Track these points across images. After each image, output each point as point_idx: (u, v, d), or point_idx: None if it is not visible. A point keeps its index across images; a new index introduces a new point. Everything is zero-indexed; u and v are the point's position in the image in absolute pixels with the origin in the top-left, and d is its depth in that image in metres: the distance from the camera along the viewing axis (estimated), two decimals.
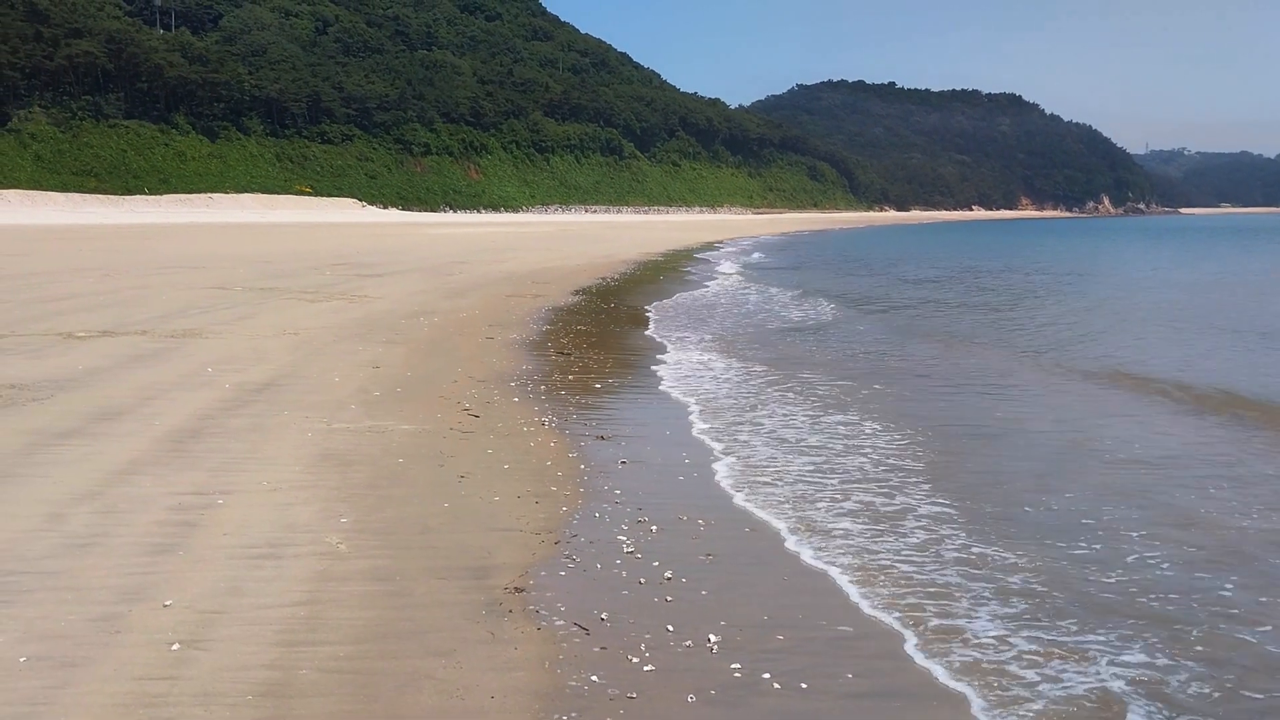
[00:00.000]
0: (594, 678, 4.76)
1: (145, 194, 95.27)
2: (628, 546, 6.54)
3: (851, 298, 26.36)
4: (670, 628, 5.31)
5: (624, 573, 6.11)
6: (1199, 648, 5.17)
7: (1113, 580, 6.04)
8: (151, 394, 10.39)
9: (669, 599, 5.72)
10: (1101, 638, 5.25)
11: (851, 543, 6.65)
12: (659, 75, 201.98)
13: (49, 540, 6.19)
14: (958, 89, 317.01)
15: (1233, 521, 7.20)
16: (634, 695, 4.61)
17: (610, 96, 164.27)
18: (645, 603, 5.66)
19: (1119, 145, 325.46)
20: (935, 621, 5.45)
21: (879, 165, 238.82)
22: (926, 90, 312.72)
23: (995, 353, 15.92)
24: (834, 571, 6.18)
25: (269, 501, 7.09)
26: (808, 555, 6.45)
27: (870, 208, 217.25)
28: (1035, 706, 4.57)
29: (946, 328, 19.37)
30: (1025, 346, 16.47)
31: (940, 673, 4.88)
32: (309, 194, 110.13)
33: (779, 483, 8.03)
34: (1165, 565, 6.31)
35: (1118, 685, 4.76)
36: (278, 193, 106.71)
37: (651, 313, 21.36)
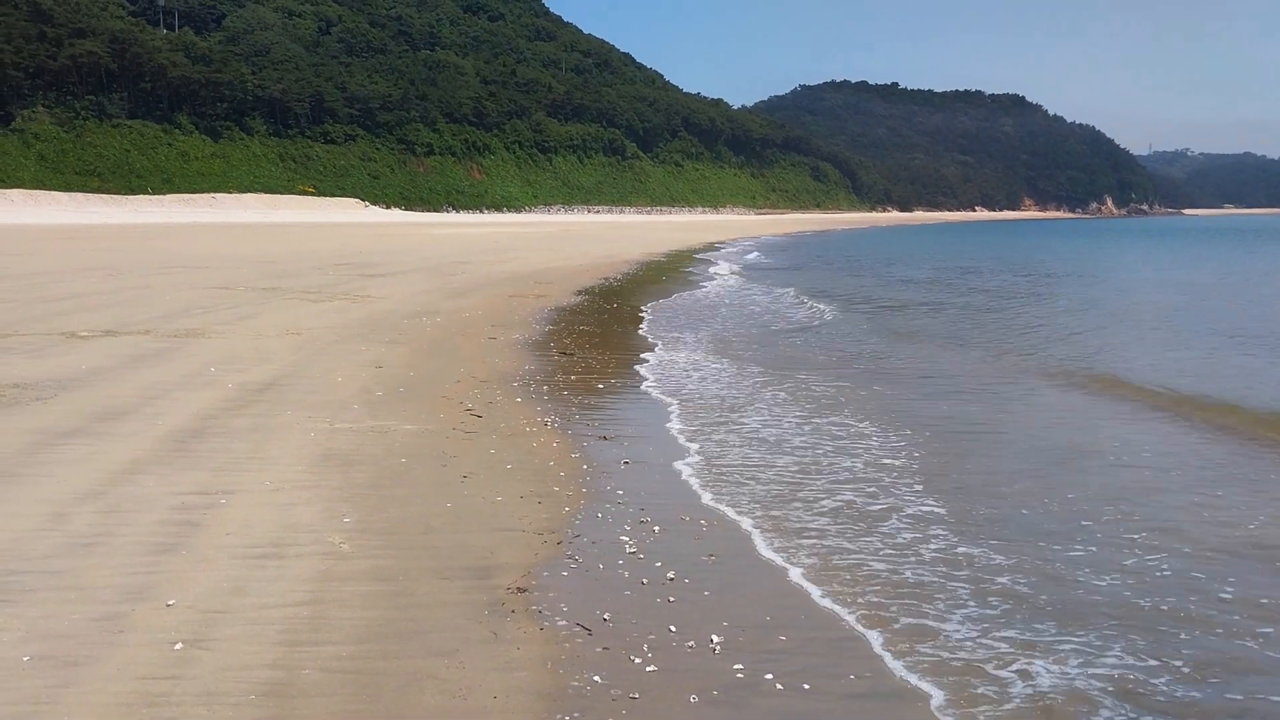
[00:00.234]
0: (596, 678, 4.76)
1: (148, 194, 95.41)
2: (630, 547, 6.54)
3: (852, 299, 26.36)
4: (673, 628, 5.32)
5: (626, 573, 6.11)
6: (1184, 650, 5.17)
7: (1104, 583, 6.03)
8: (154, 394, 10.40)
9: (671, 599, 5.72)
10: (1115, 644, 5.25)
11: (855, 542, 6.66)
12: (662, 75, 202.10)
13: (52, 540, 6.20)
14: (961, 89, 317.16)
15: (1223, 526, 7.19)
16: (636, 695, 4.61)
17: (613, 97, 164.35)
18: (648, 603, 5.67)
19: (1122, 146, 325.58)
20: (937, 623, 5.45)
21: (882, 166, 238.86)
22: (929, 91, 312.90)
23: (994, 355, 15.85)
24: (841, 572, 6.18)
25: (272, 501, 7.10)
26: (809, 555, 6.45)
27: (873, 208, 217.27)
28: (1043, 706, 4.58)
29: (945, 330, 19.31)
30: (1023, 350, 16.38)
31: (942, 672, 4.88)
32: (312, 194, 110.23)
33: (781, 481, 8.03)
34: (1162, 569, 6.30)
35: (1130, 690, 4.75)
36: (281, 193, 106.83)
37: (654, 313, 21.36)
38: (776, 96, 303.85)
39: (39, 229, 55.39)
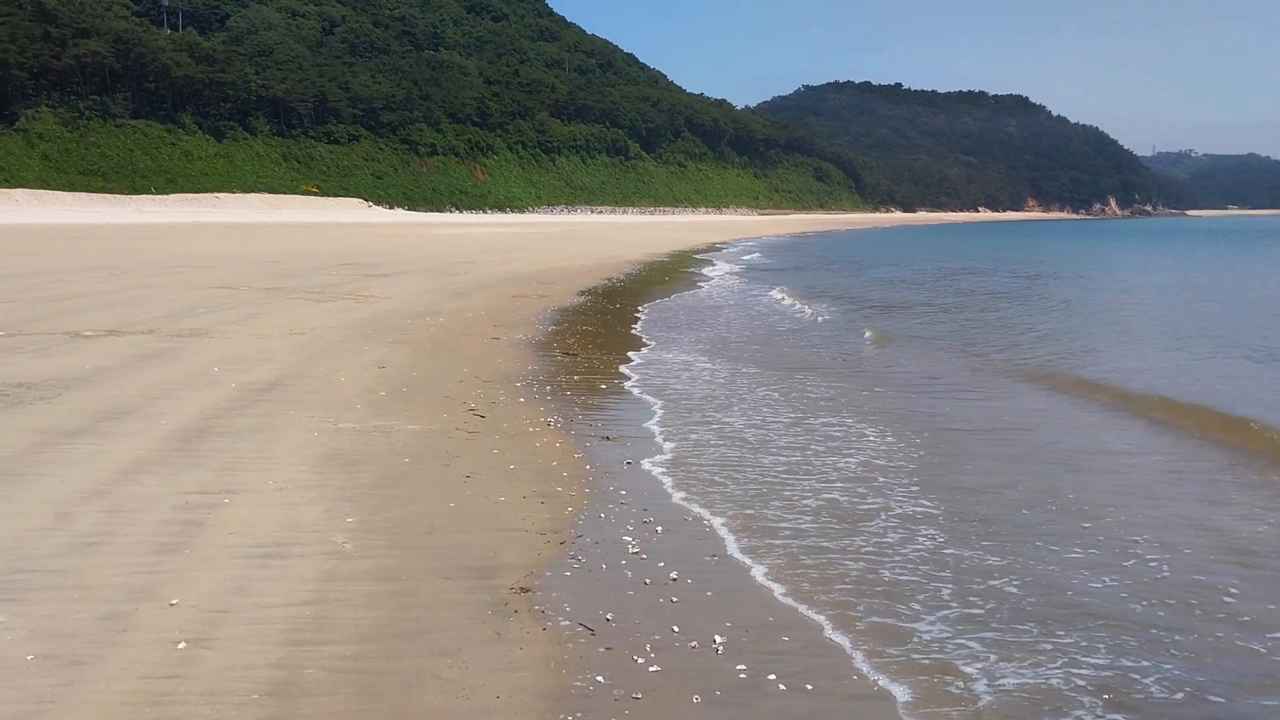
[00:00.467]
0: (599, 678, 4.76)
1: (152, 194, 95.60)
2: (633, 547, 6.54)
3: (853, 300, 26.37)
4: (675, 628, 5.32)
5: (629, 573, 6.11)
6: (1173, 654, 5.17)
7: (1099, 585, 6.03)
8: (158, 393, 10.42)
9: (674, 600, 5.72)
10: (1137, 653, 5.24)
11: (858, 541, 6.66)
12: (665, 76, 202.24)
13: (56, 539, 6.21)
14: (964, 90, 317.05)
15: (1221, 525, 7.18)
16: (639, 696, 4.62)
17: (616, 97, 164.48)
18: (650, 603, 5.67)
19: (1126, 147, 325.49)
20: (947, 625, 5.44)
21: (885, 166, 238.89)
22: (933, 91, 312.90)
23: (993, 357, 15.80)
24: (845, 574, 6.17)
25: (275, 501, 7.10)
26: (816, 555, 6.45)
27: (876, 209, 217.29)
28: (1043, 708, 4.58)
29: (938, 331, 19.24)
30: (1022, 352, 16.29)
31: (945, 675, 4.88)
32: (315, 194, 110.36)
33: (781, 483, 8.03)
34: (1160, 572, 6.30)
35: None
36: (284, 193, 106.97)
37: (656, 314, 21.36)
38: (780, 97, 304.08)
39: (43, 229, 55.48)
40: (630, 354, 15.01)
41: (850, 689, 4.74)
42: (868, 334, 17.43)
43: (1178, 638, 5.30)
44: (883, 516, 7.24)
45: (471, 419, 9.96)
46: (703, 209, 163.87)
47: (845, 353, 16.03)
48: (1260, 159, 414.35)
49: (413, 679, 4.67)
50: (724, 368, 13.97)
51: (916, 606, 5.65)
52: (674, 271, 36.81)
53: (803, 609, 5.63)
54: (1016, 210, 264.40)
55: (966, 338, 18.01)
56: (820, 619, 5.50)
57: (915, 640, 5.24)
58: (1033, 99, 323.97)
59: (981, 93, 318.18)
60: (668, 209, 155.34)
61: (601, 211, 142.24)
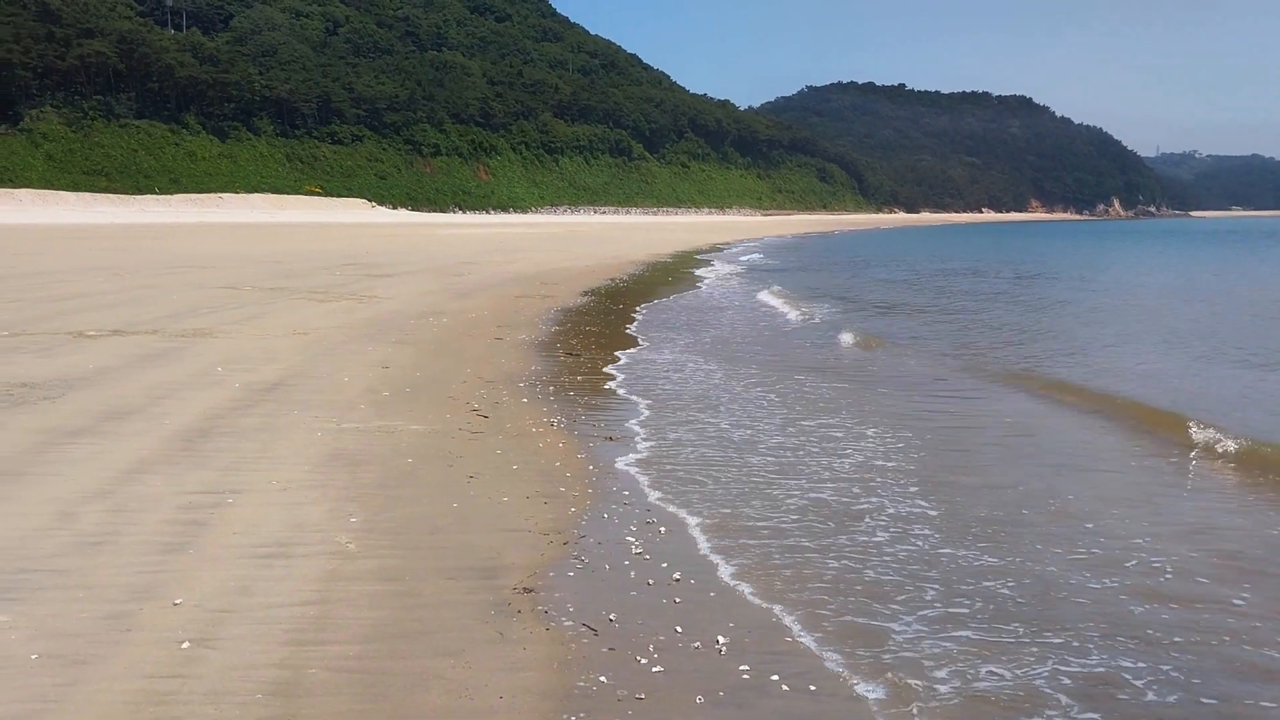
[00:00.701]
0: (602, 678, 4.76)
1: (156, 194, 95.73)
2: (636, 548, 6.54)
3: (853, 301, 26.37)
4: (679, 629, 5.31)
5: (633, 574, 6.11)
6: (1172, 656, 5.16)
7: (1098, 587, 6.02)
8: (161, 393, 10.43)
9: (677, 600, 5.72)
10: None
11: (859, 539, 6.66)
12: (668, 76, 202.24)
13: (60, 538, 6.21)
14: (968, 91, 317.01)
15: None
16: (642, 696, 4.61)
17: (619, 98, 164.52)
18: (654, 604, 5.66)
19: (1129, 148, 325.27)
20: (948, 627, 5.44)
21: (888, 167, 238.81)
22: (936, 92, 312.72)
23: (979, 360, 15.61)
24: (851, 572, 6.17)
25: (278, 501, 7.11)
26: (816, 558, 6.44)
27: (879, 209, 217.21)
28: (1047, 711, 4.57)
29: (941, 334, 19.16)
30: (1020, 358, 16.19)
31: (955, 675, 4.88)
32: (319, 194, 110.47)
33: (784, 483, 8.02)
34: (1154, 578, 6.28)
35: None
36: (288, 193, 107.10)
37: (658, 314, 21.37)
38: (783, 97, 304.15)
39: (46, 228, 55.55)
40: (632, 353, 15.00)
41: (852, 689, 4.74)
42: (851, 338, 17.27)
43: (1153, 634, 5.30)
44: (869, 519, 7.23)
45: (475, 419, 9.96)
46: (706, 210, 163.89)
47: (839, 355, 16.01)
48: (1264, 160, 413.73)
49: (416, 679, 4.67)
50: (720, 368, 13.96)
51: (927, 609, 5.65)
52: (677, 272, 36.80)
53: (804, 609, 5.63)
54: (1020, 211, 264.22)
55: (957, 340, 17.84)
56: (825, 618, 5.49)
57: (918, 640, 5.24)
58: (1036, 99, 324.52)
59: (985, 93, 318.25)
60: (671, 209, 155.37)
61: (604, 212, 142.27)
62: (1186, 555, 6.55)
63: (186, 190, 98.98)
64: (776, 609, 5.62)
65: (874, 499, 7.67)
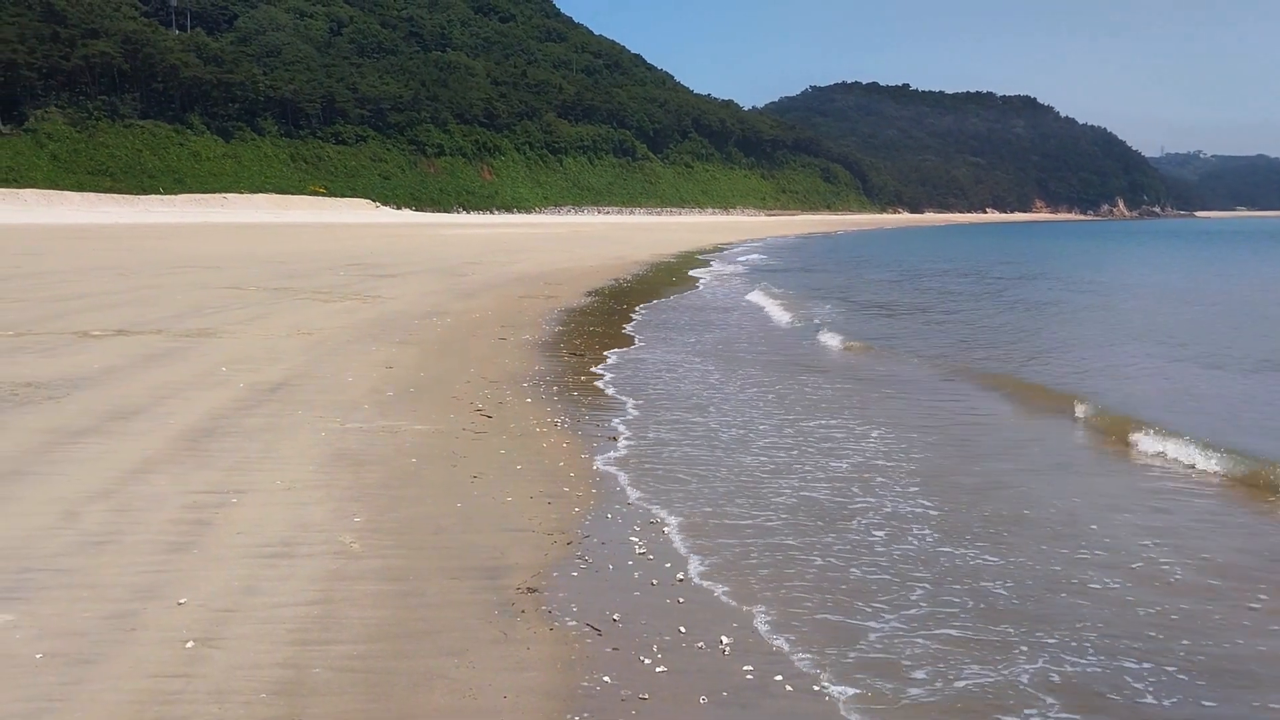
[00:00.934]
0: (606, 678, 4.76)
1: (160, 194, 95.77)
2: (640, 548, 6.54)
3: (853, 302, 26.37)
4: (682, 629, 5.32)
5: (636, 574, 6.11)
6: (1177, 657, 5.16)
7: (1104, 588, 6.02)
8: (166, 393, 10.44)
9: (681, 600, 5.72)
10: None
11: (864, 539, 6.66)
12: (672, 76, 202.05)
13: (64, 538, 6.22)
14: (972, 91, 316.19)
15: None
16: (646, 696, 4.62)
17: (623, 98, 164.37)
18: (657, 604, 5.67)
19: (1134, 148, 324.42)
20: (957, 629, 5.44)
21: (892, 167, 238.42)
22: (941, 92, 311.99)
23: (963, 362, 15.41)
24: (854, 573, 6.17)
25: (282, 500, 7.11)
26: (822, 558, 6.44)
27: (884, 210, 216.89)
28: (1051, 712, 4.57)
29: (940, 336, 19.09)
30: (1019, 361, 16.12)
31: (953, 678, 4.88)
32: (323, 194, 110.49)
33: (788, 481, 8.02)
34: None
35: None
36: (292, 193, 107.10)
37: (659, 315, 21.36)
38: (787, 98, 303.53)
39: (51, 229, 55.62)
40: (630, 352, 15.01)
41: (855, 689, 4.74)
42: (840, 339, 17.17)
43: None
44: (857, 521, 7.23)
45: (478, 419, 9.97)
46: (709, 210, 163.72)
47: (830, 356, 16.01)
48: (1269, 160, 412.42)
49: (420, 679, 4.68)
50: (717, 368, 13.98)
51: (929, 613, 5.64)
52: (680, 272, 36.78)
53: (807, 609, 5.63)
54: (1024, 211, 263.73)
55: (943, 343, 17.67)
56: (831, 620, 5.49)
57: (920, 642, 5.23)
58: (1041, 100, 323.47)
59: (989, 93, 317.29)
60: (674, 210, 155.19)
61: (608, 212, 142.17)
62: (1185, 559, 6.55)
63: (191, 190, 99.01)
64: (779, 609, 5.62)
65: (866, 496, 7.67)
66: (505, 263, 35.76)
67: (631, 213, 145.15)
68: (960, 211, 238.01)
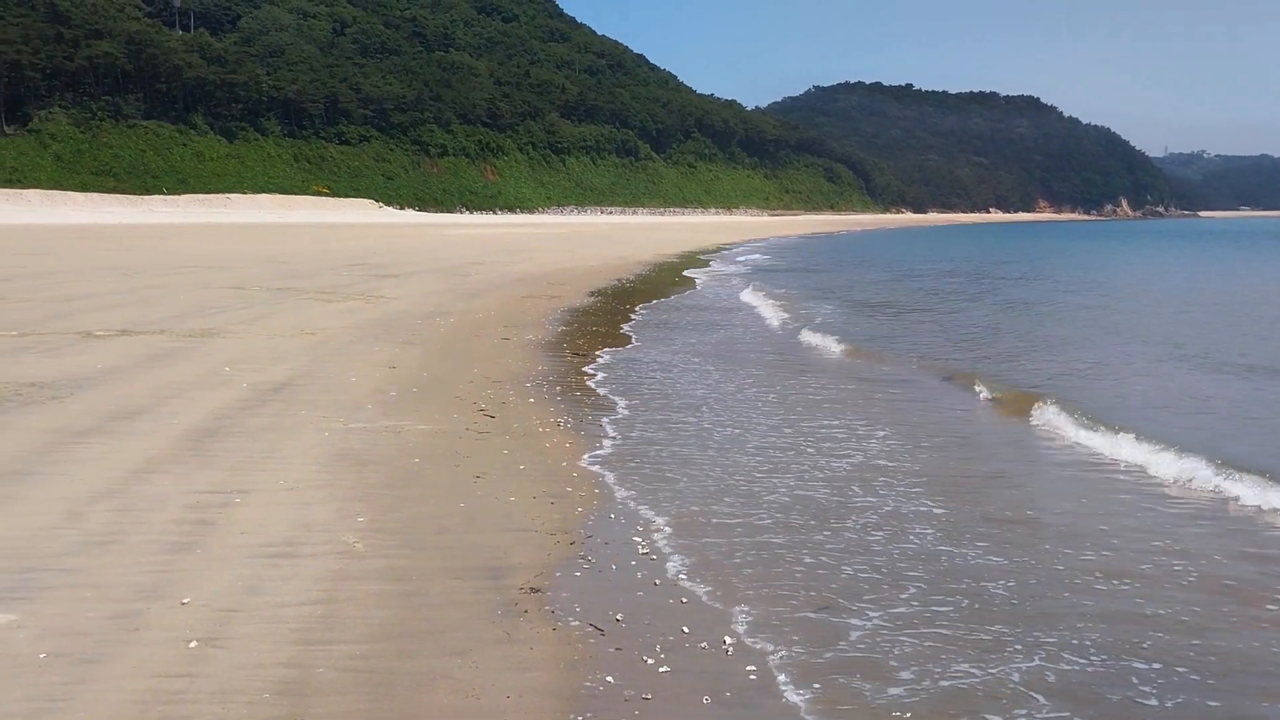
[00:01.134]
0: (609, 678, 4.76)
1: (163, 194, 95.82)
2: (643, 548, 6.54)
3: (857, 302, 26.36)
4: (685, 629, 5.31)
5: (639, 574, 6.11)
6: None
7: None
8: (169, 393, 10.45)
9: (684, 601, 5.72)
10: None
11: (865, 538, 6.65)
12: (675, 77, 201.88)
13: (68, 538, 6.23)
14: (975, 91, 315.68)
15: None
16: (649, 696, 4.61)
17: (626, 98, 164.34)
18: (660, 604, 5.66)
19: (1137, 148, 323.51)
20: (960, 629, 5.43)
21: (896, 167, 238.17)
22: (944, 92, 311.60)
23: (951, 363, 15.34)
24: (856, 573, 6.16)
25: (286, 500, 7.12)
26: (820, 559, 6.44)
27: (887, 210, 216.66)
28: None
29: (941, 337, 19.03)
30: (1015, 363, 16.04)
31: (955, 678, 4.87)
32: (326, 194, 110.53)
33: (787, 482, 8.02)
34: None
35: None
36: (295, 193, 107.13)
37: (660, 315, 21.36)
38: (790, 98, 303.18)
39: (55, 229, 55.70)
40: (628, 350, 15.01)
41: (856, 690, 4.73)
42: (837, 341, 17.05)
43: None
44: (857, 517, 7.22)
45: (481, 419, 9.97)
46: (713, 210, 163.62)
47: (834, 357, 16.00)
48: (1273, 160, 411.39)
49: (423, 678, 4.68)
50: (716, 368, 13.98)
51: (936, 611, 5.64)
52: (681, 272, 36.77)
53: (808, 611, 5.62)
54: (1028, 211, 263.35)
55: (934, 343, 17.57)
56: (835, 621, 5.48)
57: (922, 644, 5.23)
58: (1044, 99, 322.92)
59: (993, 93, 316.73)
60: (677, 210, 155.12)
61: (611, 212, 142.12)
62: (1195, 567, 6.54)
63: (194, 190, 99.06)
64: (782, 610, 5.62)
65: (867, 495, 7.67)
66: (508, 263, 35.77)
67: (634, 213, 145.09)
68: (963, 211, 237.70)
